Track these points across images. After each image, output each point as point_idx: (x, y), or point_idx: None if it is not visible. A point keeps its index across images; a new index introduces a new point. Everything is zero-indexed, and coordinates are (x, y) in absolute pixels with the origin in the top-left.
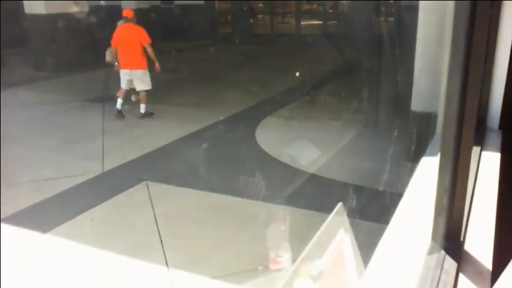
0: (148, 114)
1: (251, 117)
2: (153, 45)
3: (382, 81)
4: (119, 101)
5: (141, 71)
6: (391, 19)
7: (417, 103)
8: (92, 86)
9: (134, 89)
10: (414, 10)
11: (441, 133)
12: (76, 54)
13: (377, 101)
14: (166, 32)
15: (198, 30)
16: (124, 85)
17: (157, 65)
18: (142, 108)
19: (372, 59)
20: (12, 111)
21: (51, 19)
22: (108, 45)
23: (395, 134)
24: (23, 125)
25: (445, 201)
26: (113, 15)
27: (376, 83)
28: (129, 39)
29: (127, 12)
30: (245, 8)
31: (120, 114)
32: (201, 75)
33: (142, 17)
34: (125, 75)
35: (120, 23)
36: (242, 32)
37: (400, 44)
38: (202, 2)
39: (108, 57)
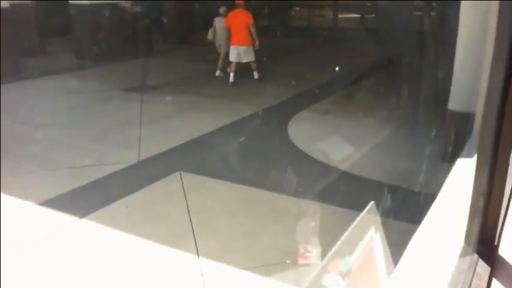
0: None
1: (284, 111)
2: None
3: (421, 78)
4: (231, 74)
5: (247, 46)
6: (432, 13)
7: (455, 102)
8: (131, 75)
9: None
10: (456, 5)
11: (479, 133)
12: (117, 44)
13: (415, 98)
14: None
15: None
16: (233, 58)
17: (257, 43)
18: (256, 74)
19: (411, 55)
20: (51, 98)
21: (93, 9)
22: (150, 34)
23: (432, 133)
24: (62, 112)
25: (481, 203)
26: (153, 6)
27: (415, 80)
28: (239, 21)
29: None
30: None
31: (234, 84)
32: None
33: (179, 5)
34: (234, 50)
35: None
36: (279, 24)
37: (441, 40)
38: None
39: (209, 35)
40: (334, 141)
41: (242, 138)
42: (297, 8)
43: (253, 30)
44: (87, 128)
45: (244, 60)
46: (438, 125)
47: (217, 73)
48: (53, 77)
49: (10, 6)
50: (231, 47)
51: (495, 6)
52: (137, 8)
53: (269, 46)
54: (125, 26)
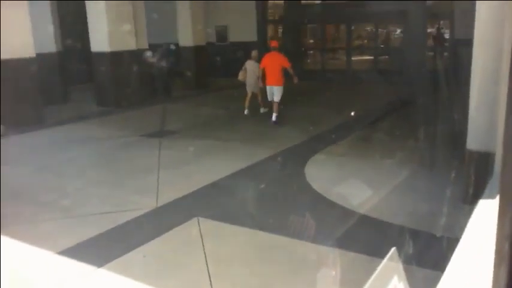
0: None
1: (300, 154)
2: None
3: (437, 118)
4: (274, 114)
5: (280, 87)
6: (445, 53)
7: (473, 141)
8: (150, 121)
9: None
10: (469, 44)
11: (500, 173)
12: (137, 90)
13: (431, 139)
14: (220, 68)
15: None
16: (270, 98)
17: (296, 79)
18: (274, 116)
19: (425, 95)
20: (71, 145)
21: (114, 56)
22: (170, 79)
23: (451, 173)
24: (81, 158)
25: (506, 248)
26: (172, 52)
27: (430, 120)
28: (274, 63)
29: (273, 43)
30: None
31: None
32: (250, 111)
33: (199, 53)
34: (268, 90)
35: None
36: (294, 67)
37: (454, 80)
38: (255, 39)
39: (240, 76)
40: (352, 184)
41: (259, 182)
42: (311, 52)
43: (291, 71)
44: (105, 174)
45: (275, 99)
46: (457, 165)
47: (246, 112)
48: (74, 125)
49: (36, 56)
50: (267, 87)
51: (508, 45)
52: (157, 55)
53: (284, 89)
54: (145, 72)
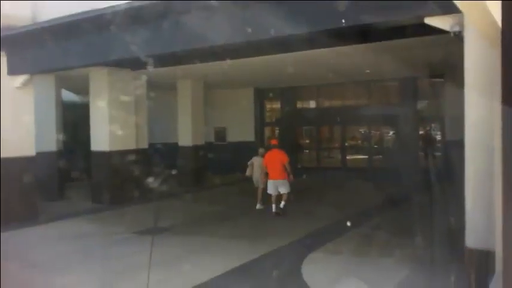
0: (280, 213)
1: (297, 252)
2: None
3: (433, 216)
4: (273, 205)
5: (283, 180)
6: (437, 154)
7: (472, 239)
8: (144, 218)
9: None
10: (461, 145)
11: (502, 272)
12: (131, 188)
13: (428, 237)
14: (218, 166)
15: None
16: (271, 191)
17: (291, 176)
18: (282, 204)
19: (420, 194)
20: (63, 242)
21: (113, 155)
22: (166, 178)
23: (451, 273)
24: (71, 256)
25: None
26: (167, 151)
27: (426, 218)
28: (275, 159)
29: (273, 141)
30: (293, 144)
31: (277, 214)
32: (247, 206)
33: (197, 152)
34: (272, 184)
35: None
36: (291, 165)
37: (448, 179)
38: (253, 139)
39: (248, 172)
40: (352, 285)
41: (254, 283)
42: (307, 151)
43: (287, 166)
44: (95, 272)
45: (282, 191)
46: (457, 263)
47: (258, 206)
48: (68, 221)
49: (36, 154)
50: (269, 181)
51: (498, 146)
52: (154, 153)
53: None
54: (141, 169)
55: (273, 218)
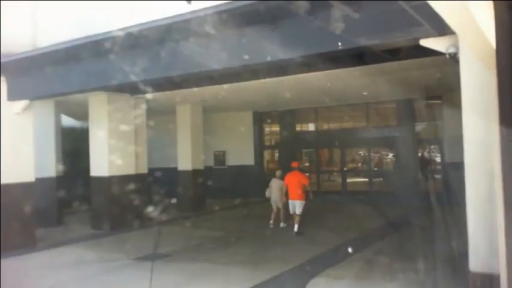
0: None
1: (299, 277)
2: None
3: (434, 239)
4: (296, 225)
5: (301, 201)
6: (437, 176)
7: (475, 263)
8: (144, 244)
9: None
10: (460, 167)
11: None
12: (131, 213)
13: (431, 260)
14: (218, 191)
15: (248, 188)
16: (292, 211)
17: (311, 194)
18: (296, 227)
19: (421, 217)
20: (61, 270)
21: (112, 181)
22: (165, 203)
23: None
24: (68, 284)
25: None
26: (167, 176)
27: (428, 241)
28: (294, 180)
29: (294, 164)
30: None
31: (298, 234)
32: (246, 230)
33: (196, 177)
34: (291, 204)
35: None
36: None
37: (449, 201)
38: (253, 163)
39: (267, 193)
40: None
41: None
42: (307, 174)
43: (308, 188)
44: None
45: (297, 212)
46: (460, 287)
47: (271, 225)
48: (67, 247)
49: (35, 180)
50: (290, 202)
51: (498, 167)
52: (154, 178)
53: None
54: (141, 194)
55: (274, 243)
